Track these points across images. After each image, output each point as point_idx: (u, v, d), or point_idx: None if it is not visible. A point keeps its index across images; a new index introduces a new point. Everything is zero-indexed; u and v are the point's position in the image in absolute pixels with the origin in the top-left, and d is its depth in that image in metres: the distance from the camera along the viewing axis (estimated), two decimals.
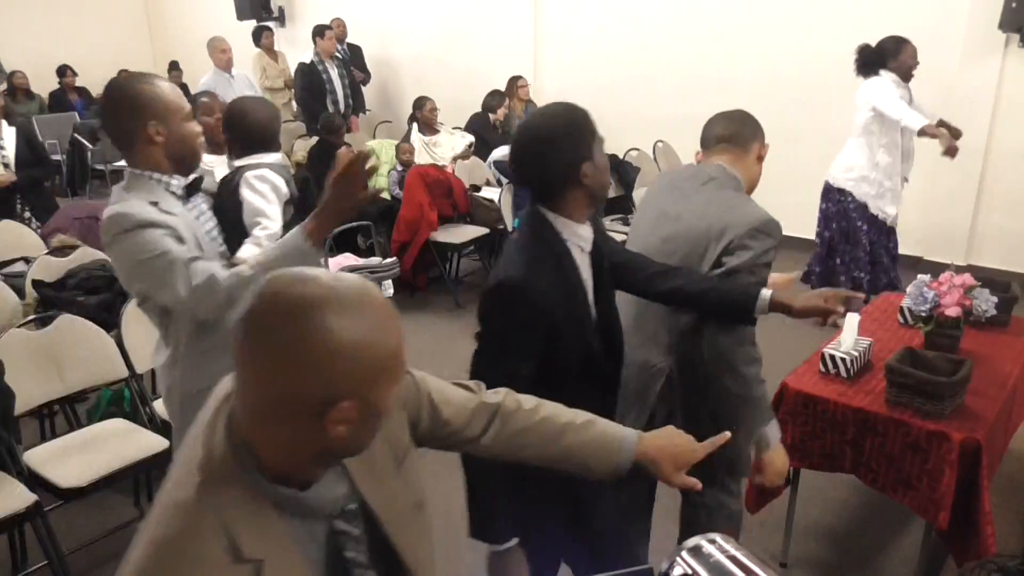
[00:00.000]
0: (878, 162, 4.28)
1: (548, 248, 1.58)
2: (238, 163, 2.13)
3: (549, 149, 1.55)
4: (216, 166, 3.11)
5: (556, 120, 1.58)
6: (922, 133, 4.02)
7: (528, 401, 1.28)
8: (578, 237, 1.62)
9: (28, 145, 4.76)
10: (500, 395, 1.27)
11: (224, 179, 2.12)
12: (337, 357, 0.82)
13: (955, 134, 4.09)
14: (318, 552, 0.95)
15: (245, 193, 2.00)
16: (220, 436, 0.89)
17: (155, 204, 1.75)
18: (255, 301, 0.85)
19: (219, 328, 1.78)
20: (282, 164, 2.16)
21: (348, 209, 1.64)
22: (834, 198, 4.51)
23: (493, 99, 6.47)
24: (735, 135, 1.96)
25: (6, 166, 4.59)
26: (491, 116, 6.46)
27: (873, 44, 4.25)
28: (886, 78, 4.15)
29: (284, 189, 2.07)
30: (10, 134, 4.67)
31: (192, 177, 1.89)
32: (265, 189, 2.01)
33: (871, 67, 4.18)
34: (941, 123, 4.19)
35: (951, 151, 3.99)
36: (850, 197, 4.42)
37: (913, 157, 4.37)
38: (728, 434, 1.28)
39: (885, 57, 4.16)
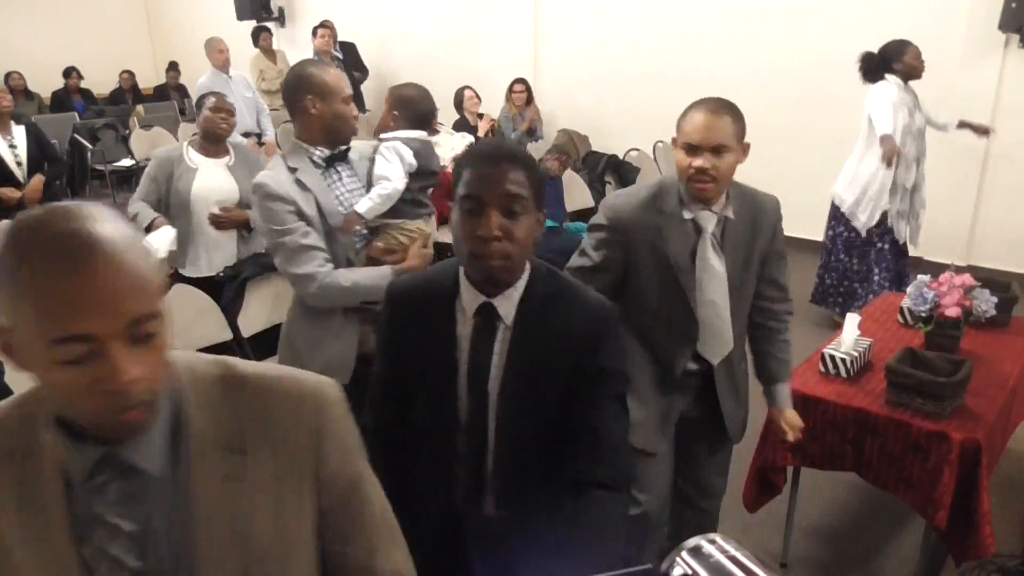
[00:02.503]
0: (864, 168, 4.22)
1: None
2: (382, 136, 2.47)
3: None
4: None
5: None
6: (882, 141, 3.99)
7: None
8: None
9: (38, 145, 4.75)
10: None
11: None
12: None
13: (980, 129, 4.39)
14: None
15: (376, 159, 2.39)
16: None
17: (294, 170, 2.10)
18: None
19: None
20: (423, 139, 2.49)
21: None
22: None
23: (457, 96, 6.49)
24: None
25: (19, 165, 4.60)
26: (466, 114, 6.47)
27: (874, 49, 4.19)
28: (891, 82, 4.08)
29: (410, 160, 2.38)
30: (20, 133, 4.66)
31: (339, 149, 2.21)
32: (392, 157, 2.37)
33: (875, 72, 4.12)
34: (963, 123, 4.39)
35: (984, 132, 4.40)
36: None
37: (916, 168, 4.24)
38: None
39: (890, 61, 4.09)
